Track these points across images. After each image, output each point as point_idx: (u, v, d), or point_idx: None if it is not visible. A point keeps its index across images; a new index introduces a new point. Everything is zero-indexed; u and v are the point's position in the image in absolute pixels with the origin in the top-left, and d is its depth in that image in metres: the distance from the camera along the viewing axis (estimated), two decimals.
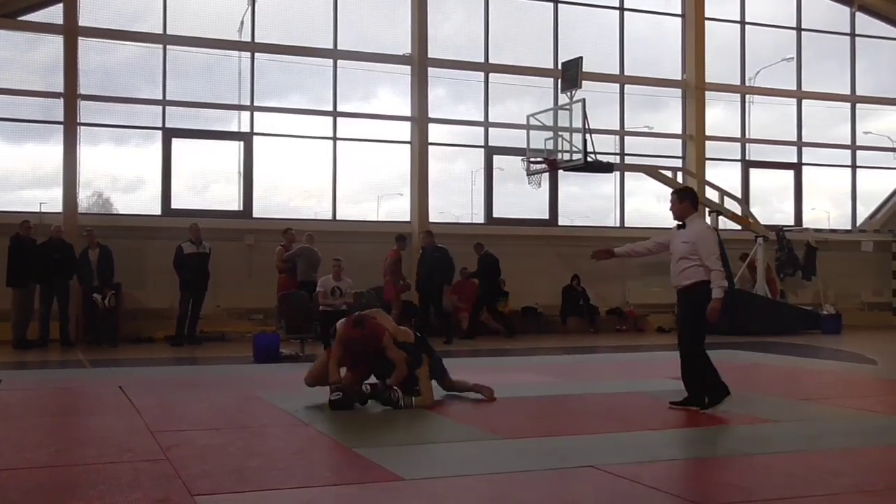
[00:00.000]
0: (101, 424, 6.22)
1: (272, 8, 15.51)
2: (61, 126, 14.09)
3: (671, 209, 6.89)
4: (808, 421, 6.46)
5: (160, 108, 14.76)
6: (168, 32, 14.64)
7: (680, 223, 6.83)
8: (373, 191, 16.65)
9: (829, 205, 19.85)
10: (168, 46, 14.67)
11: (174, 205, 14.70)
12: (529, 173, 15.45)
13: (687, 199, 6.85)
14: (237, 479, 4.58)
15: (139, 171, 15.15)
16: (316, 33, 15.54)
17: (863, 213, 19.68)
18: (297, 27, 15.44)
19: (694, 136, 17.71)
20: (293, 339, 11.53)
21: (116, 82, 14.71)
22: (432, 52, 16.20)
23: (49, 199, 14.21)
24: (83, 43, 14.28)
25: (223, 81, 15.24)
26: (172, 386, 8.41)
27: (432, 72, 16.28)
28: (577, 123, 14.55)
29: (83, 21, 14.21)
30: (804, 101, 18.94)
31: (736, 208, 16.64)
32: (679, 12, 18.02)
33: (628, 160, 17.23)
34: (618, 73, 17.46)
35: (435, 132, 16.41)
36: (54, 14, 14.18)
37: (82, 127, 14.26)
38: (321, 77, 15.77)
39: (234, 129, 15.35)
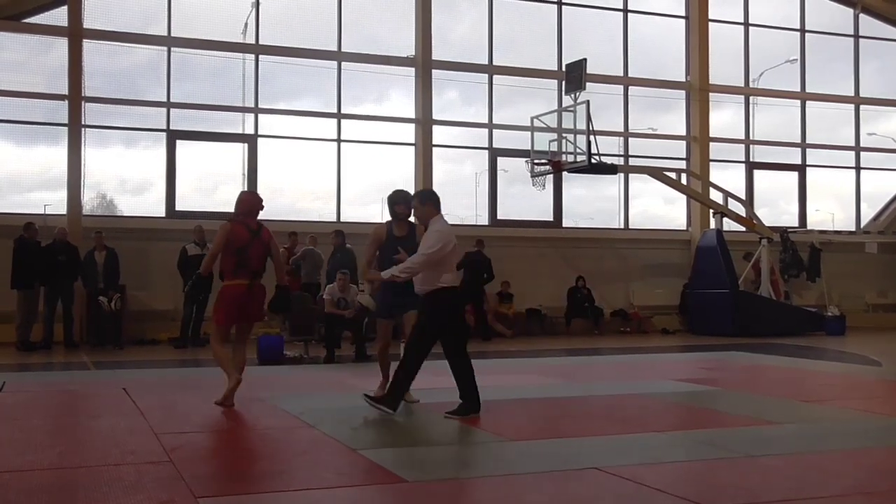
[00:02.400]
0: (104, 426, 6.23)
1: (276, 10, 15.54)
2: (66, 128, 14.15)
3: (414, 214, 6.63)
4: (811, 422, 6.44)
5: (164, 110, 14.80)
6: (173, 35, 14.68)
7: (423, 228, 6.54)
8: (378, 192, 16.69)
9: (834, 206, 19.84)
10: (173, 49, 14.72)
11: (178, 207, 14.73)
12: (534, 175, 15.46)
13: (430, 202, 6.55)
14: (241, 482, 4.58)
15: (146, 173, 15.19)
16: (320, 35, 15.58)
17: (868, 215, 19.65)
18: (301, 29, 15.48)
19: (698, 137, 17.69)
20: (297, 341, 11.54)
21: (122, 85, 14.75)
22: (446, 55, 16.24)
23: (57, 202, 14.27)
24: (88, 46, 14.33)
25: (228, 84, 15.29)
26: (176, 388, 8.42)
27: (445, 74, 16.33)
28: (582, 125, 14.56)
29: (88, 24, 14.26)
30: (808, 103, 18.92)
31: (740, 210, 16.64)
32: (683, 14, 18.02)
33: (632, 162, 17.22)
34: (622, 74, 17.45)
35: (443, 134, 16.43)
36: (58, 17, 14.24)
37: (89, 129, 14.34)
38: (326, 79, 15.80)
39: (239, 131, 15.38)
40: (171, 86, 14.77)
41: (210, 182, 15.70)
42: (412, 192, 7.13)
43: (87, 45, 14.32)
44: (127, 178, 15.47)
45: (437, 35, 16.28)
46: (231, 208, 7.10)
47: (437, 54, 16.17)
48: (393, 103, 16.58)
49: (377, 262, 6.89)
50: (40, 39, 14.45)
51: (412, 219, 6.91)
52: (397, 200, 6.97)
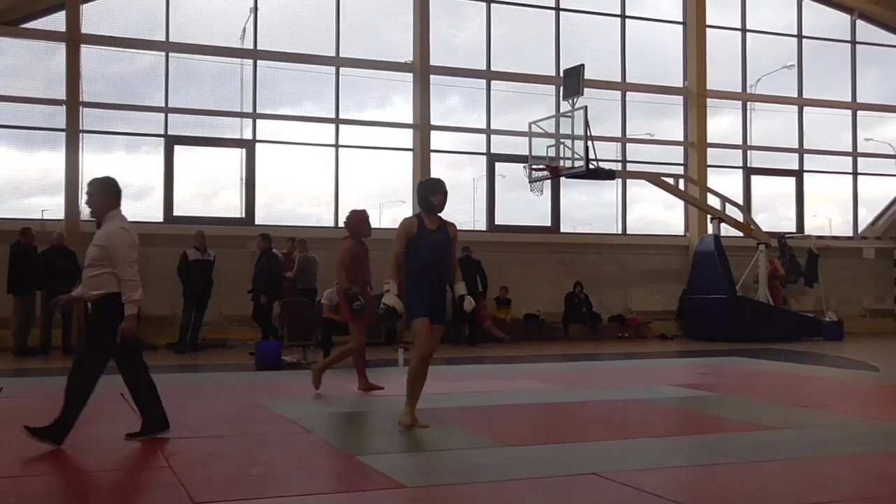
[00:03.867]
0: (102, 432, 6.21)
1: (275, 16, 15.55)
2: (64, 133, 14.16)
3: (87, 203, 5.70)
4: (810, 428, 6.44)
5: (162, 115, 14.81)
6: (171, 40, 14.70)
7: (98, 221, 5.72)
8: (377, 198, 16.70)
9: (832, 211, 19.86)
10: (171, 54, 14.73)
11: (178, 212, 14.73)
12: (532, 180, 15.47)
13: (111, 192, 5.65)
14: (239, 487, 4.57)
15: (147, 178, 15.10)
16: (319, 41, 15.59)
17: (866, 220, 19.68)
18: (299, 35, 15.49)
19: (695, 143, 17.72)
20: (295, 347, 11.53)
21: (122, 90, 14.73)
22: (451, 62, 16.28)
23: (56, 207, 14.24)
24: (89, 51, 14.35)
25: (226, 89, 15.28)
26: (174, 393, 8.37)
27: (450, 80, 16.37)
28: (579, 131, 14.57)
29: (87, 29, 14.26)
30: (805, 109, 18.96)
31: (738, 215, 16.65)
32: (680, 20, 18.06)
33: (630, 167, 17.25)
34: (619, 80, 17.49)
35: (444, 139, 16.45)
36: (58, 22, 14.24)
37: (92, 135, 14.40)
38: (326, 84, 15.79)
39: (237, 136, 15.39)
40: (170, 91, 14.78)
41: (210, 187, 15.71)
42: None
43: (88, 51, 14.34)
44: (128, 182, 15.41)
45: (443, 41, 16.35)
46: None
47: (443, 60, 16.20)
48: (395, 109, 16.60)
49: (408, 259, 6.15)
50: (40, 45, 14.45)
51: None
52: (434, 190, 6.18)
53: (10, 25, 14.14)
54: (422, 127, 15.95)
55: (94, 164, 14.54)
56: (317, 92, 16.02)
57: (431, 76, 16.09)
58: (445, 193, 6.26)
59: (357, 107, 16.23)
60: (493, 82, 16.69)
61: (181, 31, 14.76)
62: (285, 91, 16.01)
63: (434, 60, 16.15)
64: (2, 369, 10.56)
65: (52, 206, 14.35)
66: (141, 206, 15.06)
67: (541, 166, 15.29)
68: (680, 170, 17.63)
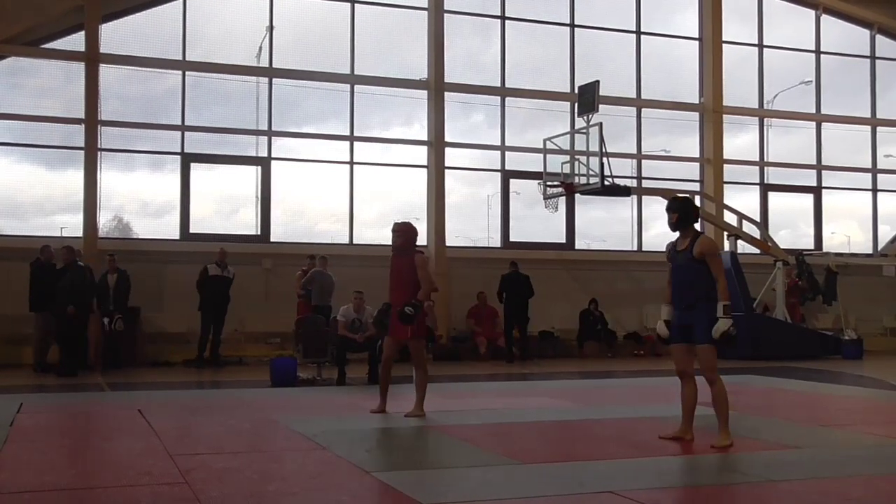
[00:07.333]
0: (119, 447, 6.24)
1: (290, 34, 15.69)
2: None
3: None
4: (831, 447, 6.36)
5: (179, 133, 14.95)
6: (187, 59, 14.87)
7: None
8: (393, 215, 16.74)
9: (852, 228, 19.67)
10: (188, 73, 14.90)
11: (198, 229, 14.84)
12: (546, 197, 15.46)
13: None
14: (255, 503, 4.56)
15: (169, 196, 15.19)
16: (335, 59, 15.70)
17: (886, 237, 19.46)
18: (315, 53, 15.61)
19: (711, 159, 17.66)
20: (310, 364, 11.53)
21: (142, 109, 14.91)
22: (477, 79, 16.37)
23: (75, 225, 14.37)
24: (109, 71, 14.54)
25: (242, 107, 15.41)
26: (190, 409, 8.43)
27: (473, 98, 16.57)
28: (594, 147, 14.56)
29: (106, 49, 14.46)
30: (824, 125, 18.86)
31: (755, 232, 16.54)
32: (697, 36, 18.07)
33: (646, 184, 17.20)
34: (635, 96, 17.49)
35: (462, 156, 16.49)
36: (76, 42, 14.45)
37: (113, 153, 14.57)
38: (343, 102, 15.87)
39: (253, 154, 15.49)
40: (187, 109, 14.92)
41: (226, 205, 15.82)
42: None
43: (109, 71, 14.54)
44: (148, 200, 15.62)
45: (468, 59, 16.49)
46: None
47: (468, 78, 16.28)
48: (421, 126, 16.64)
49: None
50: (62, 65, 14.66)
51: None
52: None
53: (30, 46, 14.37)
54: (436, 144, 16.01)
55: (117, 183, 14.73)
56: (333, 109, 16.12)
57: (449, 94, 16.17)
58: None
59: (382, 125, 16.33)
60: (512, 99, 16.73)
61: (198, 50, 14.94)
62: (301, 109, 16.15)
63: (459, 78, 16.23)
64: (22, 385, 10.64)
65: (74, 224, 14.49)
66: (161, 223, 15.22)
67: (555, 183, 15.29)
68: (696, 187, 17.56)
